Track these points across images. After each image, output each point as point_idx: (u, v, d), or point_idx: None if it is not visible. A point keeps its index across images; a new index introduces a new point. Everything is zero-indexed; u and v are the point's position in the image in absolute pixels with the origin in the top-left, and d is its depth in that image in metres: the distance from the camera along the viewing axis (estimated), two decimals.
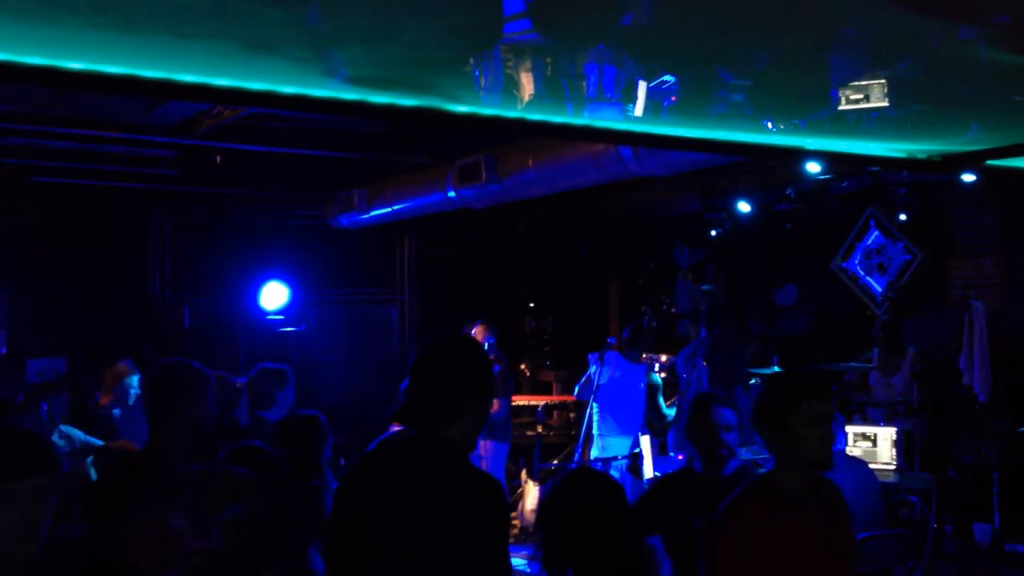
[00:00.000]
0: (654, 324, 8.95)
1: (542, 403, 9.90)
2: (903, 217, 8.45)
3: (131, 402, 6.82)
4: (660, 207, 10.73)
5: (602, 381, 7.30)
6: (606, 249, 11.80)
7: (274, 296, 10.16)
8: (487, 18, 3.38)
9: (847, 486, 5.07)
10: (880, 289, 8.82)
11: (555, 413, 9.94)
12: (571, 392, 8.40)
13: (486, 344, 8.02)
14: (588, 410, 7.45)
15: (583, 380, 7.64)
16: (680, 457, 6.53)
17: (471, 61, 3.77)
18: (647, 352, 8.21)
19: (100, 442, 6.17)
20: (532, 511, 8.65)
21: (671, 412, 7.78)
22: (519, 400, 10.03)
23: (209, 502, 2.06)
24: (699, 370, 7.38)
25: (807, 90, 4.37)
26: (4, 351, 9.11)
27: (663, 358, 8.95)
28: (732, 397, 7.26)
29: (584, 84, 4.03)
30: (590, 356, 7.59)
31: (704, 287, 9.92)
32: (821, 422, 2.98)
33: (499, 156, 8.31)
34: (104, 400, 6.74)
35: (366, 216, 10.60)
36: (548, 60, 3.89)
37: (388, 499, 2.70)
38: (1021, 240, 8.05)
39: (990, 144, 5.12)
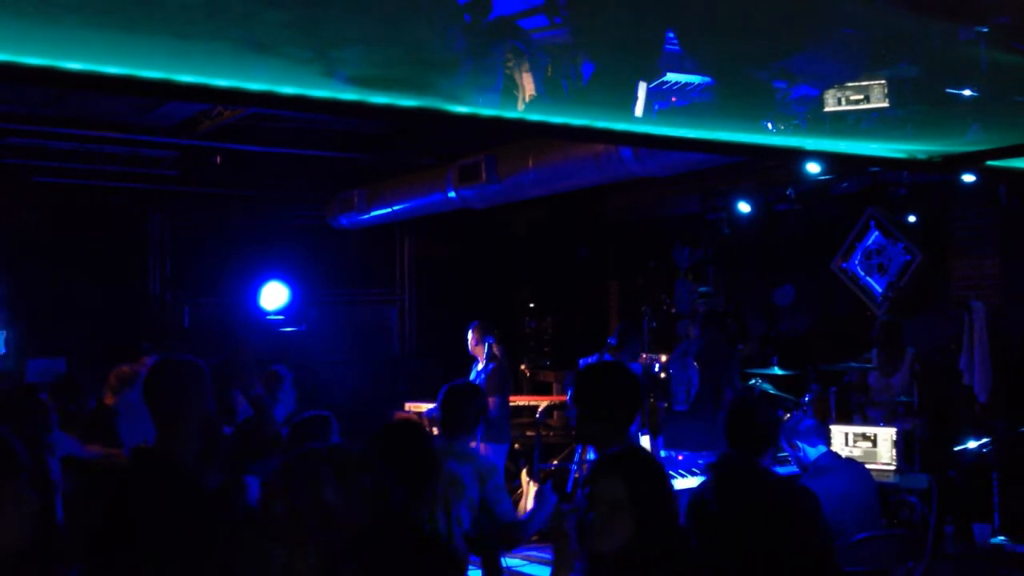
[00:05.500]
0: (654, 324, 8.93)
1: (543, 403, 9.88)
2: (903, 218, 8.44)
3: (134, 402, 6.82)
4: (660, 207, 10.73)
5: None
6: (606, 249, 11.79)
7: (274, 296, 10.16)
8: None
9: (843, 486, 5.08)
10: (880, 290, 8.81)
11: (555, 413, 9.93)
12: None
13: (486, 344, 8.01)
14: None
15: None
16: (680, 457, 6.53)
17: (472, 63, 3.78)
18: (644, 352, 8.19)
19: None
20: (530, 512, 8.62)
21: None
22: (519, 400, 10.02)
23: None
24: (690, 370, 7.36)
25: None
26: (4, 351, 9.11)
27: (663, 358, 8.95)
28: (721, 397, 7.27)
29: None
30: (581, 361, 7.57)
31: (702, 288, 9.92)
32: None
33: (499, 156, 8.31)
34: (109, 400, 6.74)
35: (366, 216, 10.60)
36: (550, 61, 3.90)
37: None
38: (1021, 240, 8.04)
39: (990, 144, 5.11)
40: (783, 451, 5.21)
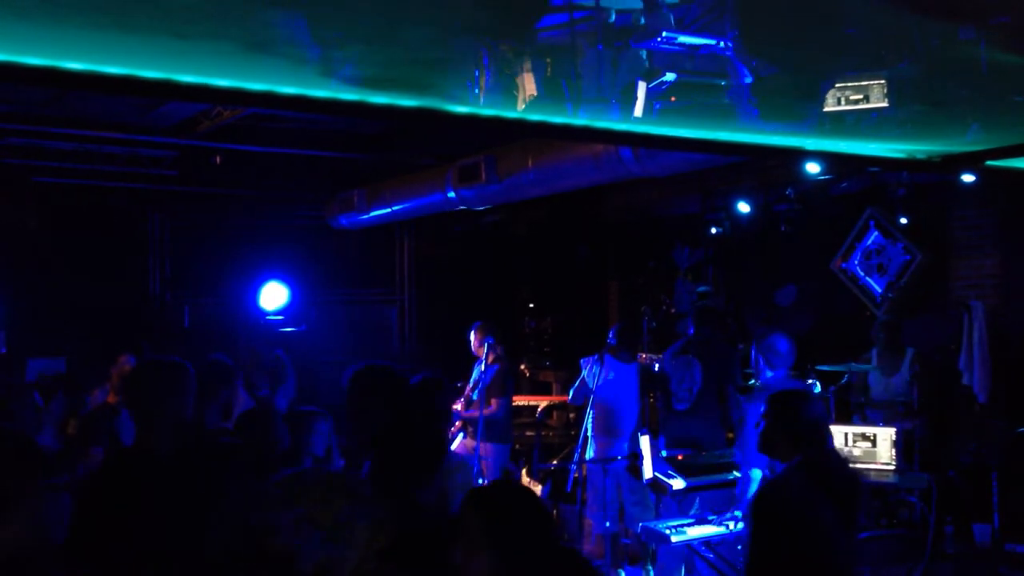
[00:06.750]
0: (653, 324, 8.93)
1: (543, 403, 9.88)
2: (903, 218, 8.44)
3: None
4: (660, 207, 10.73)
5: (597, 383, 7.26)
6: (606, 249, 11.80)
7: (274, 296, 10.16)
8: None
9: None
10: (880, 290, 8.81)
11: (555, 413, 9.92)
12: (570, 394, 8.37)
13: (485, 344, 8.01)
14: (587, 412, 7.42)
15: (576, 384, 7.61)
16: (680, 457, 6.51)
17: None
18: (644, 352, 8.18)
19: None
20: None
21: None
22: (519, 400, 10.01)
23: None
24: (694, 368, 7.35)
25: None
26: (4, 351, 9.11)
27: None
28: (725, 395, 7.26)
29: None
30: (582, 361, 7.56)
31: (701, 288, 9.92)
32: None
33: (499, 156, 8.31)
34: (112, 399, 6.75)
35: (366, 216, 10.60)
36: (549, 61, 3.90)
37: None
38: (1021, 240, 8.04)
39: (990, 144, 5.11)
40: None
